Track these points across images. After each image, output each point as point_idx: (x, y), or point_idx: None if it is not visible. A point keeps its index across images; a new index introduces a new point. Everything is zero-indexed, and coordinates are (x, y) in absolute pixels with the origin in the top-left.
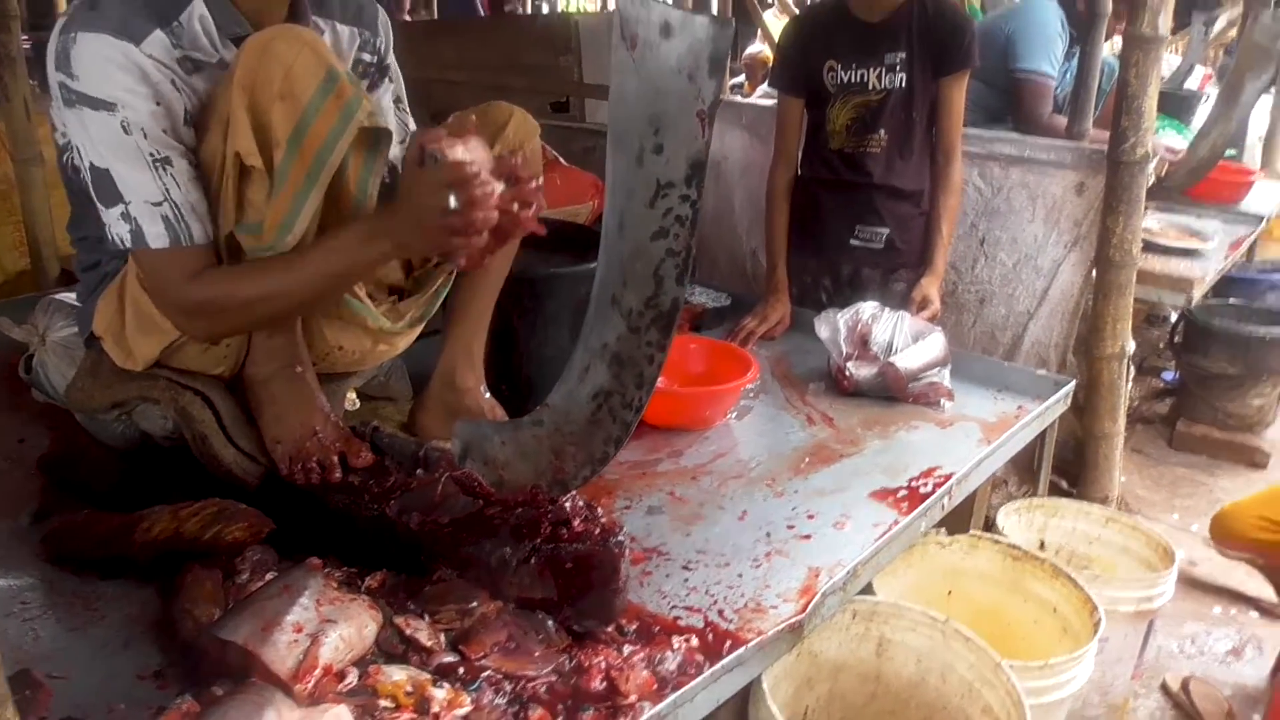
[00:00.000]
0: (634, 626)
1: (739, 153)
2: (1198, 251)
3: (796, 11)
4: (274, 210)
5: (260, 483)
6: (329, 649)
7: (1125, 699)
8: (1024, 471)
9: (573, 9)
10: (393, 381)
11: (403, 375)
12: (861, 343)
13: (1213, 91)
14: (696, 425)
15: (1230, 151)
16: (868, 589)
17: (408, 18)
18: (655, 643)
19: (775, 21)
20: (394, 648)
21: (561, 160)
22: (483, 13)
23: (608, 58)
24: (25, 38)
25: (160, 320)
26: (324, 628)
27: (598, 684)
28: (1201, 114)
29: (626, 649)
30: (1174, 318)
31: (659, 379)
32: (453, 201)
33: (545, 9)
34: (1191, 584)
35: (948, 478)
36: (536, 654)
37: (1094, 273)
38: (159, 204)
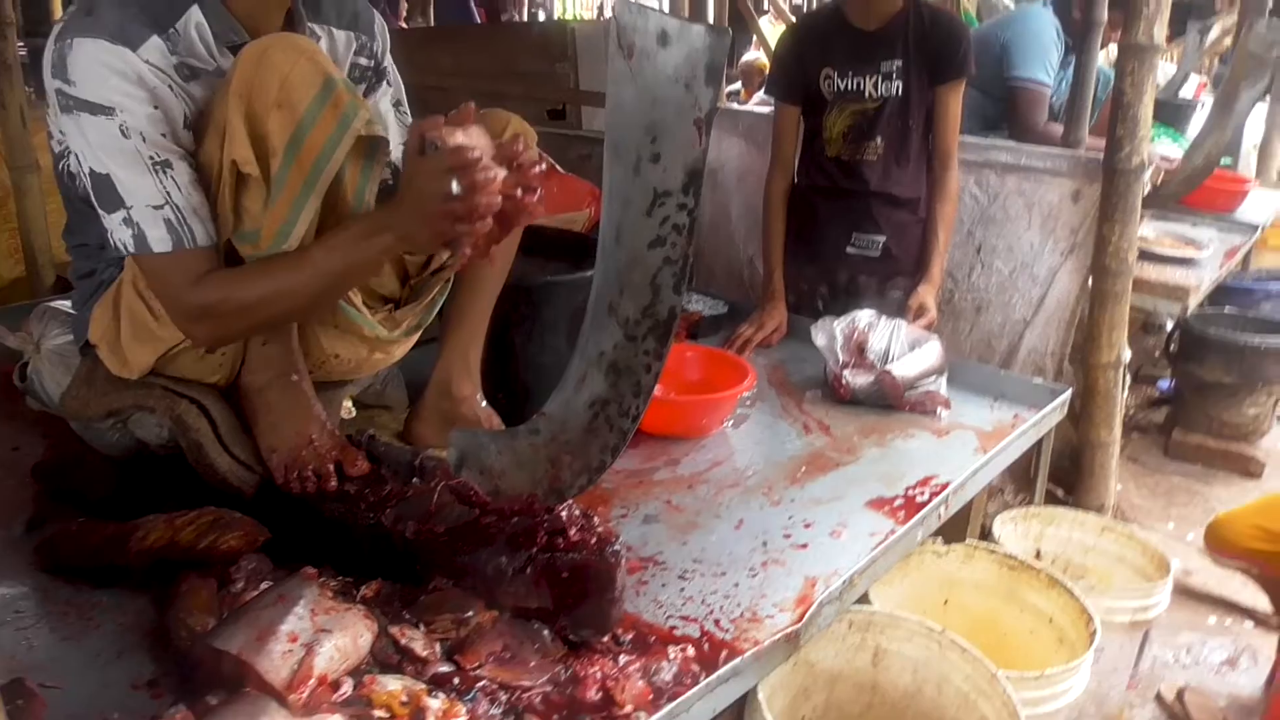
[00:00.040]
0: (630, 636)
1: (735, 160)
2: (1193, 260)
3: (792, 18)
4: (271, 218)
5: (256, 491)
6: (324, 659)
7: (1121, 709)
8: (1020, 480)
9: (569, 16)
10: (389, 390)
11: (399, 383)
12: (858, 351)
13: (1207, 100)
14: (693, 433)
15: (1225, 160)
16: (864, 598)
17: (404, 25)
18: (651, 653)
19: (770, 28)
20: (389, 658)
21: (558, 168)
22: (479, 20)
23: (604, 65)
24: (21, 44)
25: (156, 329)
26: (319, 637)
27: (593, 694)
28: (1196, 122)
29: (622, 659)
30: (1169, 326)
31: (656, 387)
32: (455, 186)
33: (542, 16)
34: (1187, 594)
35: (944, 486)
36: (532, 664)
37: (1090, 281)
38: (160, 207)
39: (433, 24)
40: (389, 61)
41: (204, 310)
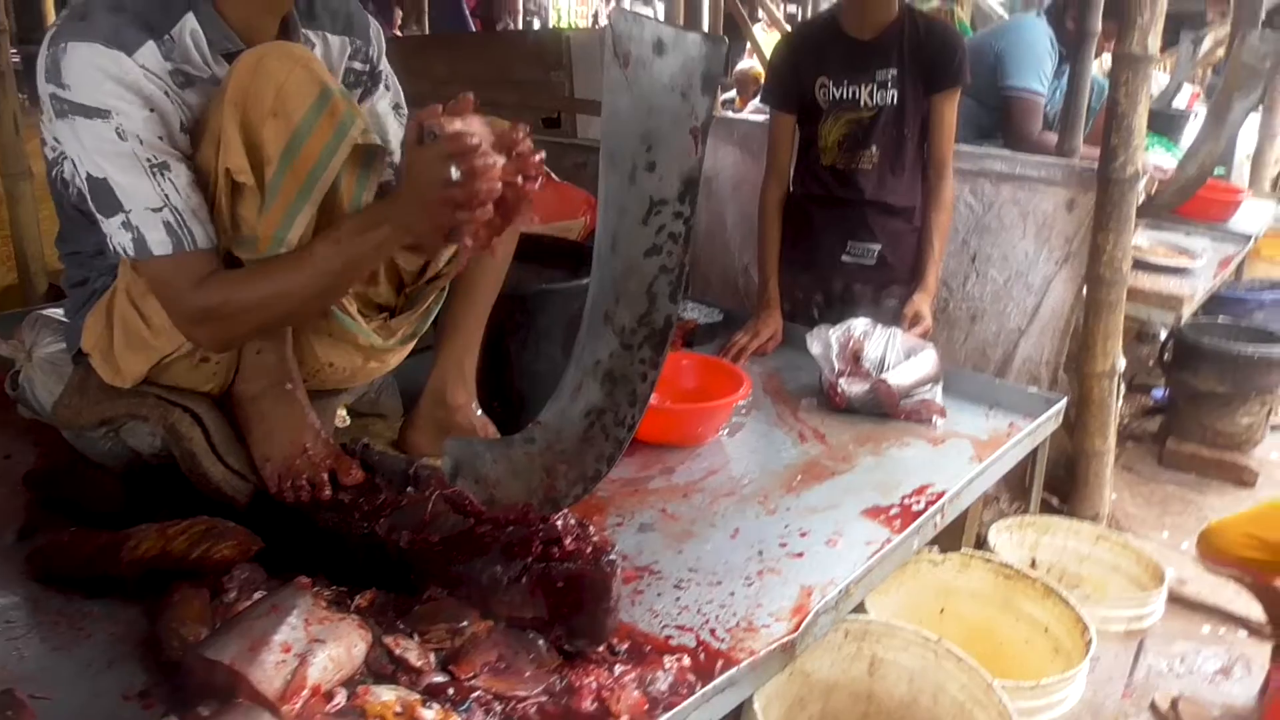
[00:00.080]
0: (625, 646)
1: (731, 169)
2: (1187, 269)
3: (786, 27)
4: (266, 224)
5: (249, 501)
6: (317, 669)
7: (1116, 719)
8: (1015, 488)
9: (564, 25)
10: (383, 398)
11: (394, 392)
12: (854, 359)
13: (1201, 110)
14: (688, 442)
15: (1218, 170)
16: (860, 607)
17: (399, 32)
18: (647, 662)
19: (764, 35)
20: (383, 668)
21: (553, 176)
22: (474, 28)
23: (599, 73)
24: (14, 51)
25: (149, 337)
26: (312, 647)
27: (589, 704)
28: (1190, 132)
29: (618, 669)
30: (1163, 335)
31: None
32: (454, 173)
33: (537, 24)
34: (1181, 603)
35: (940, 495)
36: (527, 674)
37: (1084, 290)
38: (159, 210)
39: (428, 32)
40: (385, 64)
41: (206, 313)
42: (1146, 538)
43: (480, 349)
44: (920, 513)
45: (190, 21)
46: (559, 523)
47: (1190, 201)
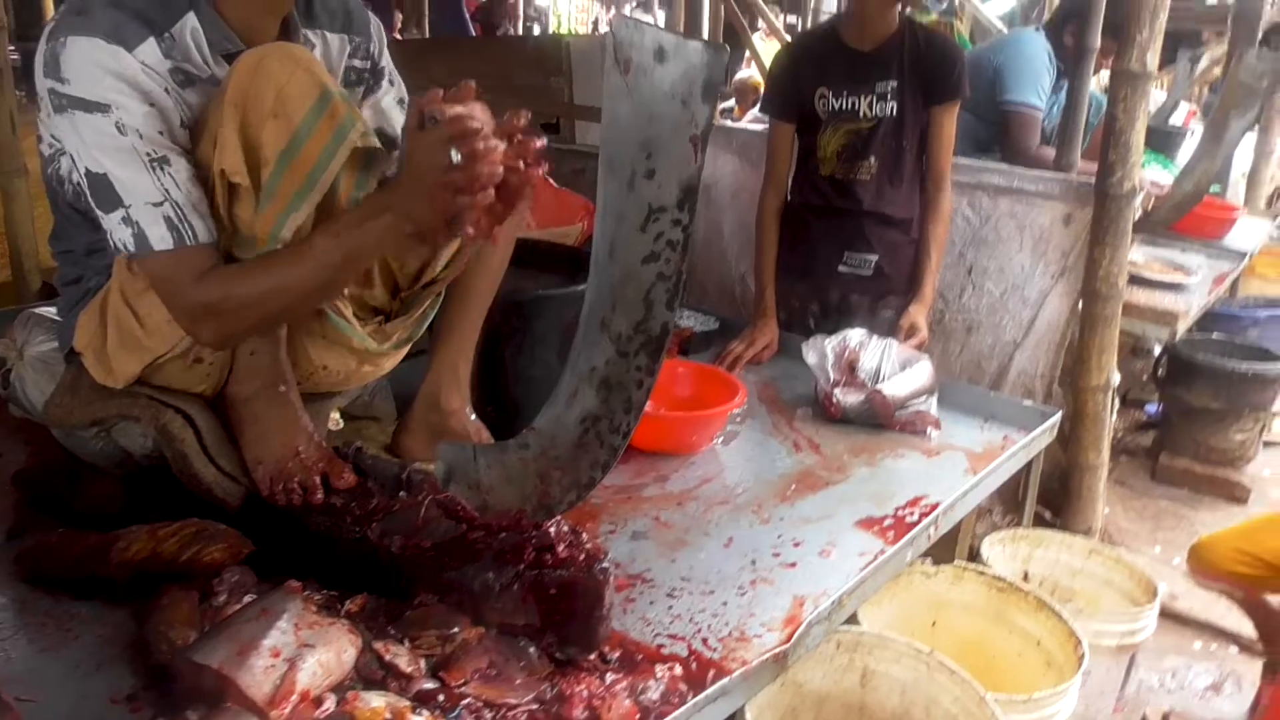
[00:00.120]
0: (617, 654)
1: (729, 177)
2: (1182, 285)
3: (785, 35)
4: (262, 223)
5: (240, 503)
6: (306, 674)
7: None
8: (1008, 501)
9: (564, 31)
10: (377, 401)
11: (387, 395)
12: (849, 369)
13: (1197, 128)
14: (683, 450)
15: (1214, 188)
16: (853, 619)
17: (399, 36)
18: (638, 671)
19: (762, 44)
20: (373, 673)
21: (551, 181)
22: (474, 33)
23: (599, 80)
24: (12, 48)
25: (143, 337)
26: (302, 652)
27: (580, 713)
28: (1186, 149)
29: (609, 677)
30: (1157, 351)
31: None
32: (455, 156)
33: (537, 30)
34: (1173, 618)
35: (934, 507)
36: (518, 681)
37: (1080, 304)
38: (159, 204)
39: (427, 35)
40: (388, 60)
41: (208, 308)
42: (1139, 552)
43: (475, 353)
44: (914, 524)
45: (191, 20)
46: (552, 530)
47: (1186, 218)
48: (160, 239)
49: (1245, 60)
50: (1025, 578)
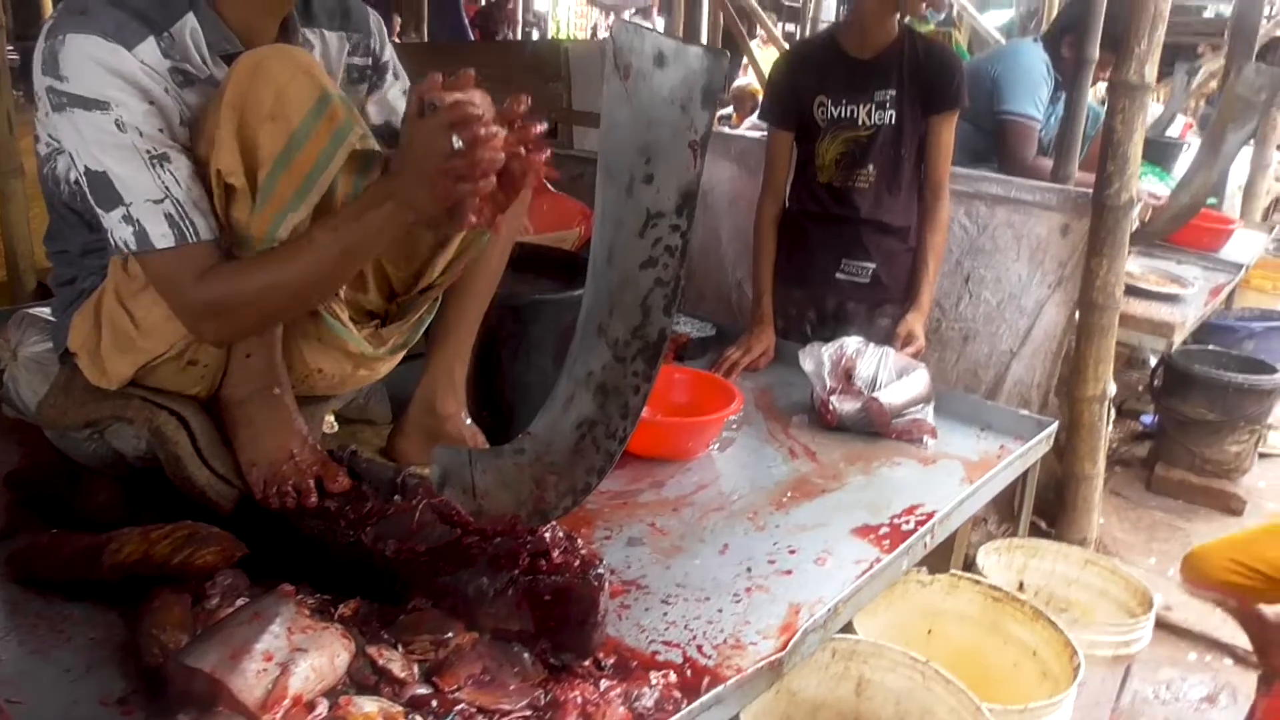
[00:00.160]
0: (611, 661)
1: (726, 184)
2: (1179, 297)
3: (783, 43)
4: (259, 223)
5: (234, 506)
6: (299, 679)
7: None
8: (1004, 510)
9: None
10: (372, 404)
11: (383, 398)
12: (846, 377)
13: (1194, 140)
14: (679, 456)
15: (1211, 200)
16: (848, 627)
17: (397, 40)
18: (633, 678)
19: (760, 52)
20: (366, 678)
21: (549, 186)
22: (473, 38)
23: (597, 85)
24: (11, 48)
25: (137, 339)
26: (294, 657)
27: (574, 719)
28: (1183, 162)
29: (603, 684)
30: (1153, 362)
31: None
32: (456, 142)
33: (536, 35)
34: (1168, 629)
35: (930, 516)
36: (512, 687)
37: (1077, 314)
38: (160, 201)
39: (426, 40)
40: (390, 54)
41: (210, 306)
42: (1134, 563)
43: (471, 358)
44: (910, 533)
45: (190, 21)
46: (547, 535)
47: (1183, 230)
48: (161, 236)
49: (1243, 74)
50: (1020, 587)
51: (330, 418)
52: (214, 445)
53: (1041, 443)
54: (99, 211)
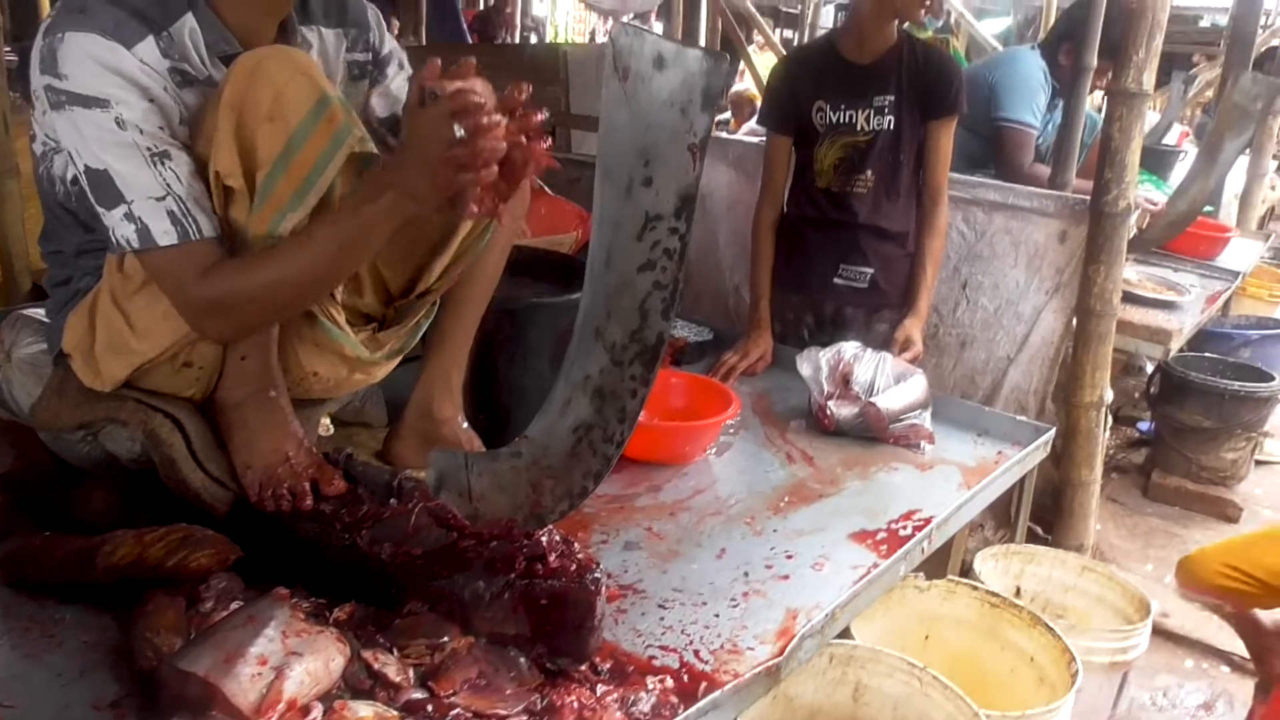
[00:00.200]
0: (608, 665)
1: (724, 189)
2: (1175, 304)
3: (781, 49)
4: (257, 223)
5: (229, 509)
6: (293, 683)
7: None
8: (1000, 516)
9: (561, 39)
10: (368, 407)
11: (378, 401)
12: (843, 382)
13: (1190, 149)
14: (676, 460)
15: (1207, 208)
16: (845, 633)
17: None
18: (629, 683)
19: (756, 57)
20: (361, 683)
21: (547, 189)
22: (471, 41)
23: (595, 88)
24: (9, 49)
25: (132, 340)
26: (289, 660)
27: None
28: (1179, 170)
29: (600, 689)
30: (1150, 369)
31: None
32: (458, 130)
33: (534, 39)
34: (1165, 636)
35: (928, 521)
36: (508, 692)
37: (1074, 321)
38: (162, 199)
39: (424, 43)
40: (391, 44)
41: (214, 303)
42: (1130, 570)
43: (468, 362)
44: (907, 538)
45: (189, 21)
46: (543, 539)
47: (1180, 238)
48: (164, 234)
49: (1240, 83)
50: (1017, 593)
51: (326, 420)
52: (209, 448)
53: (1039, 449)
54: (100, 210)
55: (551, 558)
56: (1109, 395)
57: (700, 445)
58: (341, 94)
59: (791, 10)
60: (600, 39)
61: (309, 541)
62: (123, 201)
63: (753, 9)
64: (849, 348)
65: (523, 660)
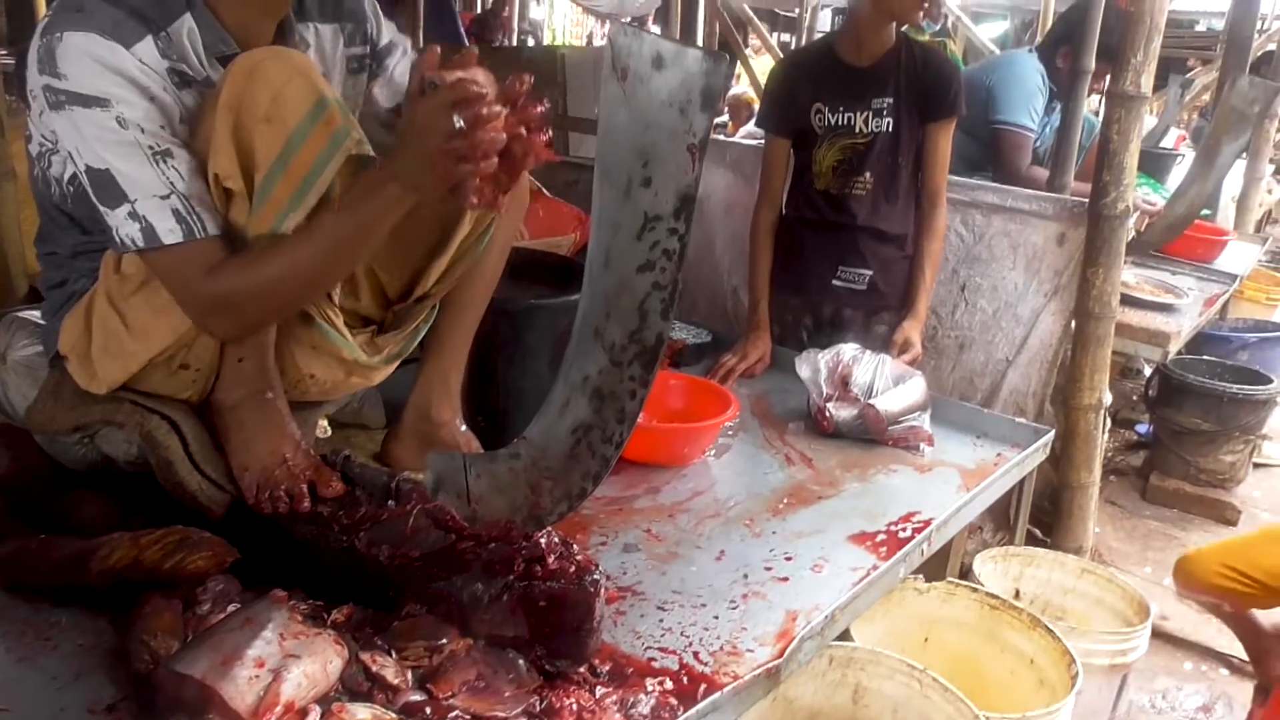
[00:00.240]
0: (607, 667)
1: (722, 192)
2: (1174, 306)
3: (777, 49)
4: (255, 224)
5: (226, 511)
6: (291, 685)
7: None
8: (999, 518)
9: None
10: (366, 409)
11: (376, 403)
12: (842, 384)
13: (1187, 152)
14: (674, 462)
15: (1205, 211)
16: (845, 634)
17: None
18: (628, 685)
19: (753, 61)
20: (359, 685)
21: (545, 192)
22: (468, 44)
23: (593, 91)
24: (4, 52)
25: (129, 342)
26: (287, 663)
27: None
28: (1177, 174)
29: (599, 691)
30: (1148, 371)
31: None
32: (457, 121)
33: (531, 42)
34: (1164, 639)
35: (927, 523)
36: (506, 694)
37: (1073, 323)
38: (166, 197)
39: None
40: (390, 33)
41: (220, 301)
42: (1129, 572)
43: (466, 364)
44: (907, 540)
45: (187, 21)
46: (542, 541)
47: (1178, 241)
48: (169, 232)
49: (1237, 86)
50: (1016, 596)
51: (324, 422)
52: (206, 450)
53: (1038, 451)
54: (102, 210)
55: (550, 559)
56: (1108, 398)
57: (699, 447)
58: (340, 90)
59: (789, 14)
60: (598, 42)
61: (306, 543)
62: (126, 201)
63: (750, 12)
64: (848, 350)
65: (521, 662)
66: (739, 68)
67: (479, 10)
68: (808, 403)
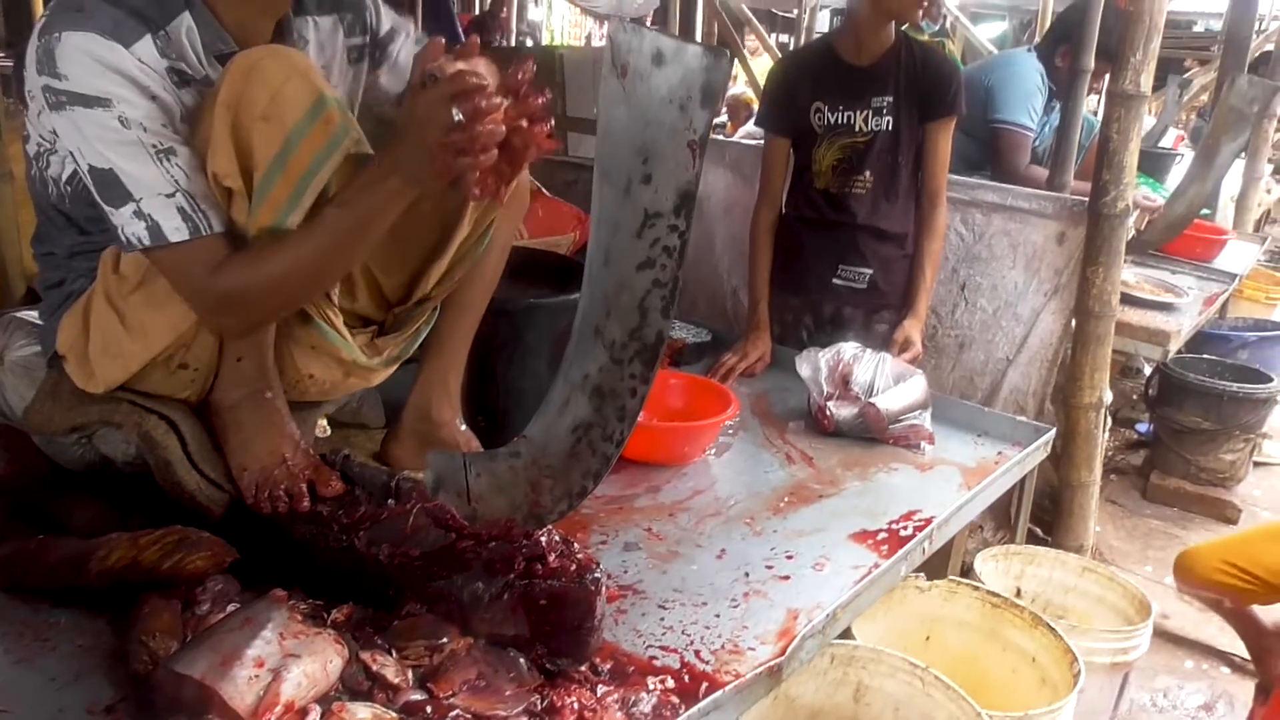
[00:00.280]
0: (608, 666)
1: (722, 191)
2: (1174, 305)
3: (775, 49)
4: (254, 224)
5: (224, 511)
6: (291, 685)
7: None
8: (1000, 517)
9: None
10: (365, 409)
11: (376, 403)
12: (843, 382)
13: (1186, 152)
14: (675, 461)
15: (1204, 211)
16: (846, 633)
17: None
18: (630, 683)
19: (750, 61)
20: (359, 684)
21: (545, 191)
22: None
23: (592, 91)
24: (2, 54)
25: (127, 342)
26: (286, 663)
27: None
28: (1176, 173)
29: (600, 689)
30: (1148, 370)
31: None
32: (457, 114)
33: (529, 43)
34: (1165, 637)
35: (928, 522)
36: (507, 693)
37: (1073, 322)
38: (171, 195)
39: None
40: (390, 20)
41: (227, 297)
42: (1130, 571)
43: (466, 363)
44: (908, 538)
45: (186, 20)
46: (543, 539)
47: (1177, 240)
48: (175, 230)
49: (1236, 86)
50: (1018, 594)
51: (323, 422)
52: (204, 449)
53: (1039, 449)
54: (107, 209)
55: (551, 558)
56: (1108, 397)
57: (699, 446)
58: (340, 81)
59: (787, 14)
60: (596, 43)
61: (306, 543)
62: (131, 200)
63: (749, 13)
64: (848, 348)
65: (522, 661)
66: (737, 68)
67: (477, 11)
68: (808, 401)
